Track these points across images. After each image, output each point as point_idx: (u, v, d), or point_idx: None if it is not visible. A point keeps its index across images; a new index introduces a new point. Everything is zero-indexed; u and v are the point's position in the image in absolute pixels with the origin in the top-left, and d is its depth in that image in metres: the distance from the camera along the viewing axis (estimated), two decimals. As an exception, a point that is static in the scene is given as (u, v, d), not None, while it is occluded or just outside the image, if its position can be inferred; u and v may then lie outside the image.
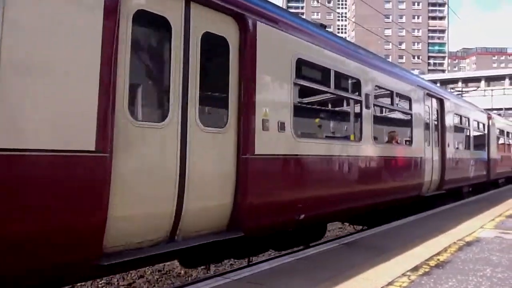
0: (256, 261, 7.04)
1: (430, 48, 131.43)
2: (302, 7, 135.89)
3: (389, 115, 10.42)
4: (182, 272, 8.15)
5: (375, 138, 8.63)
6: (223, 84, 5.39)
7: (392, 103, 9.85)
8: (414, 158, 10.50)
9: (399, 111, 10.55)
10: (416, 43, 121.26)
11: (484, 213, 10.46)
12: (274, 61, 6.03)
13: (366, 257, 5.85)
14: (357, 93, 8.18)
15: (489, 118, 19.34)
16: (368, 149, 8.35)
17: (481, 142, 17.94)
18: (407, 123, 10.55)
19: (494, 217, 9.82)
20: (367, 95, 8.28)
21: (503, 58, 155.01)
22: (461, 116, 14.97)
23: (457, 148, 14.14)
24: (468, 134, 15.88)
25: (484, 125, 18.51)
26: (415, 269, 5.32)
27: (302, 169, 6.57)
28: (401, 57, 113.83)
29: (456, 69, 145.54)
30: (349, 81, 8.23)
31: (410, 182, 10.30)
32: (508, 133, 24.05)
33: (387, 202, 9.46)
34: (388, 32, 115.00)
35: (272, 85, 6.00)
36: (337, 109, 9.30)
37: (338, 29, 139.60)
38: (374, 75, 8.77)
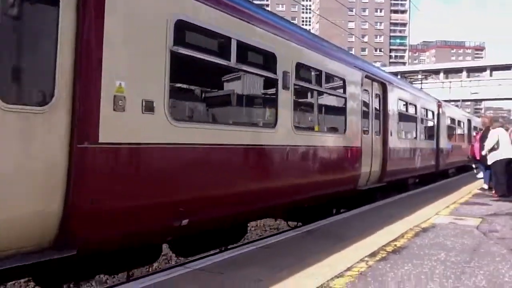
0: (217, 252, 7.08)
1: (391, 41, 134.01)
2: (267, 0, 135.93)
3: (317, 99, 8.82)
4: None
5: (297, 125, 7.49)
6: (48, 43, 3.91)
7: (320, 85, 8.42)
8: (349, 148, 9.33)
9: (330, 94, 9.19)
10: (378, 36, 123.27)
11: (439, 201, 10.80)
12: (135, 19, 4.59)
13: (326, 244, 5.97)
14: (271, 70, 6.79)
15: (439, 106, 18.55)
16: (286, 138, 7.08)
17: (429, 131, 17.19)
18: (341, 109, 9.36)
19: (449, 204, 10.16)
20: (285, 74, 6.99)
21: (461, 51, 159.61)
22: (407, 103, 14.04)
23: (402, 137, 13.30)
24: (415, 122, 14.93)
25: (433, 113, 17.60)
26: (372, 254, 5.47)
27: (182, 162, 5.17)
28: (363, 49, 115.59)
29: (417, 61, 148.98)
30: (260, 55, 6.80)
31: (342, 175, 9.17)
32: (459, 122, 23.47)
33: (313, 198, 8.37)
34: (351, 25, 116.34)
35: (133, 51, 4.56)
36: (241, 88, 7.40)
37: (303, 21, 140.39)
38: (295, 50, 7.43)
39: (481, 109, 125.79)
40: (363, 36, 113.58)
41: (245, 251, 5.68)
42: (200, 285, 4.25)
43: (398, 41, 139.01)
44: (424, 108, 16.22)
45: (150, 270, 7.72)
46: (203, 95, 7.22)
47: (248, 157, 6.38)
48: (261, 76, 6.98)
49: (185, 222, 5.10)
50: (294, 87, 7.25)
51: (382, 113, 11.57)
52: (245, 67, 6.35)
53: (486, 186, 13.24)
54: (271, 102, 7.05)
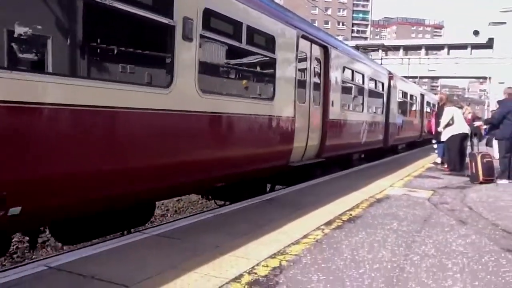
0: (177, 218, 7.08)
1: (354, 15, 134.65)
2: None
3: (236, 58, 7.60)
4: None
5: (205, 88, 6.02)
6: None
7: (240, 41, 6.85)
8: (278, 118, 8.06)
9: (254, 53, 7.63)
10: (341, 10, 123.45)
11: (394, 174, 11.13)
12: None
13: (284, 212, 6.06)
14: (163, 14, 5.30)
15: (391, 78, 17.26)
16: (187, 103, 5.68)
17: (378, 104, 16.04)
18: (268, 72, 8.08)
19: (403, 177, 10.48)
20: (187, 21, 5.54)
21: (421, 29, 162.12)
22: (353, 72, 12.68)
23: (346, 108, 12.10)
24: (361, 93, 13.60)
25: (383, 85, 16.27)
26: (328, 223, 5.60)
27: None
28: (326, 22, 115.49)
29: (378, 37, 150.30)
30: None
31: (269, 149, 7.92)
32: (412, 96, 22.30)
33: (233, 175, 7.16)
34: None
35: None
36: (120, 36, 5.71)
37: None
38: None
39: (437, 86, 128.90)
40: (326, 9, 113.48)
41: (203, 218, 5.71)
42: (159, 250, 4.25)
43: (360, 15, 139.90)
44: (373, 79, 14.93)
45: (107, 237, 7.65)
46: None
47: (131, 125, 4.94)
48: (150, 21, 5.19)
49: (16, 210, 3.78)
50: (200, 39, 5.82)
51: (323, 81, 10.25)
52: (125, 7, 4.70)
53: (439, 161, 13.70)
54: (166, 55, 5.52)
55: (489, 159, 10.09)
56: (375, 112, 15.47)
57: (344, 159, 13.07)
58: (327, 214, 6.08)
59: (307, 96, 9.46)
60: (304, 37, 9.06)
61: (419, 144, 24.80)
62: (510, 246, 4.88)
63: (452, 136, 11.70)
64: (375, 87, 15.29)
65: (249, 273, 3.71)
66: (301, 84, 9.07)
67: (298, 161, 9.19)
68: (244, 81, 8.01)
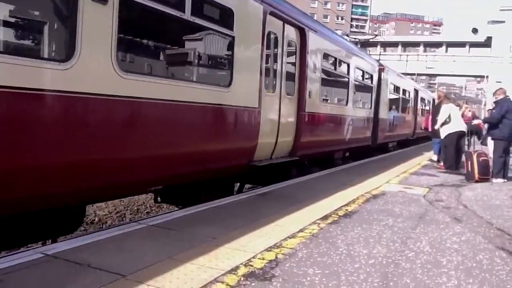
0: (173, 210, 7.08)
1: (353, 10, 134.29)
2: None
3: (175, 32, 6.54)
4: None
5: (128, 68, 5.10)
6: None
7: (182, 10, 5.53)
8: (235, 109, 6.85)
9: (200, 26, 6.15)
10: (340, 4, 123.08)
11: (390, 170, 11.15)
12: None
13: (280, 206, 6.07)
14: None
15: (381, 69, 16.02)
16: (100, 83, 4.50)
17: (366, 98, 14.72)
18: (223, 54, 7.04)
19: (399, 174, 10.52)
20: None
21: (420, 25, 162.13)
22: (336, 60, 11.14)
23: (326, 101, 11.11)
24: (347, 85, 12.20)
25: (372, 77, 14.92)
26: (324, 217, 5.62)
27: None
28: (325, 16, 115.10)
29: (377, 32, 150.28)
30: None
31: (223, 145, 6.71)
32: (404, 91, 20.65)
33: (168, 178, 5.98)
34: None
35: None
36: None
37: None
38: None
39: (435, 84, 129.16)
40: (326, 3, 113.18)
41: (199, 210, 5.71)
42: (155, 240, 4.26)
43: (360, 10, 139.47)
44: (360, 70, 13.48)
45: (103, 226, 7.66)
46: None
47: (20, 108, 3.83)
48: None
49: None
50: (120, 3, 4.66)
51: (299, 69, 8.94)
52: None
53: (435, 158, 13.74)
54: (65, 20, 4.35)
55: (485, 158, 10.11)
56: (362, 107, 14.19)
57: (324, 158, 11.79)
58: (323, 209, 6.10)
59: (278, 84, 8.20)
60: (274, 14, 7.80)
61: (412, 142, 23.93)
62: (504, 244, 4.92)
63: (449, 134, 11.72)
64: (363, 79, 13.86)
65: (245, 265, 3.73)
66: (269, 70, 7.88)
67: (266, 160, 7.97)
68: (190, 63, 6.49)
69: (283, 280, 3.46)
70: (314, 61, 9.58)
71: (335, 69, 11.38)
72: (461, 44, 71.08)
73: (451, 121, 11.70)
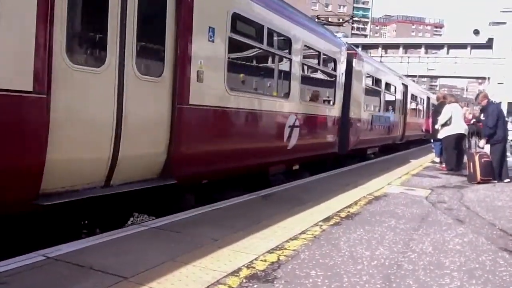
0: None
1: (354, 12, 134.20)
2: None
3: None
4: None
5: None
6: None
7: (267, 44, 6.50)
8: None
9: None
10: (342, 6, 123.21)
11: (392, 172, 11.14)
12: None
13: (282, 208, 6.07)
14: None
15: (352, 55, 12.58)
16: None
17: (328, 91, 11.41)
18: None
19: (401, 176, 10.50)
20: None
21: (421, 27, 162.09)
22: (264, 29, 7.56)
23: (244, 89, 7.80)
24: (288, 70, 8.71)
25: (336, 63, 11.21)
26: (327, 219, 5.61)
27: None
28: (326, 19, 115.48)
29: (378, 35, 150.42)
30: None
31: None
32: (389, 85, 17.00)
33: None
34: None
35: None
36: None
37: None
38: None
39: (436, 86, 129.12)
40: (327, 5, 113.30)
41: (201, 212, 5.70)
42: (158, 242, 4.25)
43: (361, 12, 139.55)
44: (314, 51, 10.02)
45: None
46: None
47: None
48: None
49: None
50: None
51: (173, 30, 5.58)
52: None
53: (437, 160, 13.72)
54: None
55: (487, 159, 10.07)
56: (319, 102, 10.86)
57: (249, 176, 8.16)
58: (325, 211, 6.09)
59: (113, 53, 4.74)
60: None
61: (400, 147, 20.44)
62: (507, 245, 4.90)
63: (447, 136, 11.76)
64: (320, 64, 10.43)
65: (247, 267, 3.72)
66: (77, 21, 4.68)
67: (94, 189, 4.80)
68: None
69: (285, 282, 3.45)
70: (205, 19, 6.10)
71: (262, 41, 7.61)
72: (462, 46, 71.03)
73: (451, 123, 11.71)
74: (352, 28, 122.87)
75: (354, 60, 12.59)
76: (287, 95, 8.75)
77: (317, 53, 10.16)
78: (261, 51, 8.01)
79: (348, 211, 6.19)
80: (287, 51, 8.67)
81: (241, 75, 8.10)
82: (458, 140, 11.77)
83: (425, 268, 3.95)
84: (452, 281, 3.68)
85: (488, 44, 62.51)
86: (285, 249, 4.30)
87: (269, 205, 6.37)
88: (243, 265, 3.76)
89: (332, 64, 11.28)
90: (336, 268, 3.83)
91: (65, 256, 3.72)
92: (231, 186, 7.62)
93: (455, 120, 11.72)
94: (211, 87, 6.31)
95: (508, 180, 10.18)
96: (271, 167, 8.70)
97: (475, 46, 67.66)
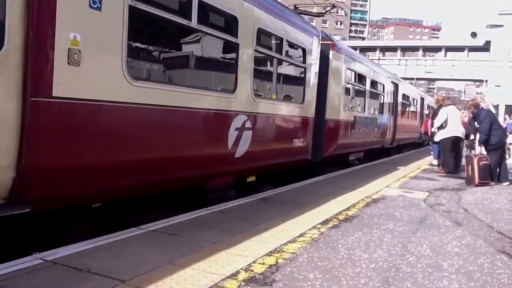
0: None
1: (352, 15, 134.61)
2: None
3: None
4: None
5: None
6: None
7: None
8: None
9: None
10: (339, 9, 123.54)
11: (390, 174, 11.16)
12: None
13: (281, 211, 6.07)
14: None
15: (329, 47, 10.82)
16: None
17: (295, 87, 9.81)
18: None
19: (399, 178, 10.51)
20: None
21: (418, 30, 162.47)
22: (206, 5, 6.06)
23: (173, 82, 6.69)
24: (234, 56, 6.98)
25: (305, 53, 9.35)
26: (325, 222, 5.61)
27: None
28: (324, 21, 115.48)
29: (376, 37, 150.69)
30: None
31: None
32: (375, 83, 15.13)
33: None
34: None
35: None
36: None
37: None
38: None
39: (434, 88, 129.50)
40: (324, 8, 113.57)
41: (199, 215, 5.69)
42: (155, 245, 4.24)
43: (358, 15, 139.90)
44: (275, 37, 8.32)
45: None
46: None
47: None
48: None
49: None
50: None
51: None
52: None
53: (435, 162, 13.74)
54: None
55: (486, 162, 10.05)
56: (282, 99, 9.14)
57: (174, 196, 6.46)
58: (323, 213, 6.09)
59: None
60: None
61: (391, 152, 18.94)
62: (505, 248, 4.91)
63: (444, 138, 11.82)
64: (283, 54, 8.60)
65: (245, 270, 3.72)
66: None
67: None
68: None
69: (283, 285, 3.44)
70: None
71: (190, 18, 5.72)
72: (460, 49, 71.13)
73: (447, 125, 11.76)
74: (350, 31, 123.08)
75: (331, 52, 10.84)
76: (231, 89, 6.87)
77: (278, 40, 8.35)
78: (188, 30, 6.26)
79: (347, 214, 6.19)
80: (231, 33, 6.77)
81: (156, 60, 6.83)
82: (455, 142, 11.79)
83: (423, 271, 3.95)
84: (451, 283, 3.68)
85: (486, 47, 62.63)
86: (284, 252, 4.29)
87: (267, 208, 6.37)
88: (242, 268, 3.75)
89: (301, 55, 9.37)
90: (335, 271, 3.82)
91: (63, 260, 3.71)
92: (157, 205, 6.33)
93: (451, 123, 11.74)
94: (97, 74, 4.49)
95: (507, 183, 10.19)
96: (210, 181, 6.78)
97: (473, 49, 67.80)
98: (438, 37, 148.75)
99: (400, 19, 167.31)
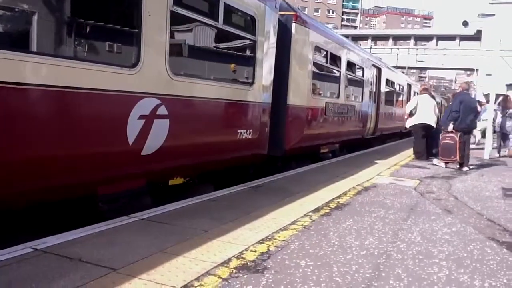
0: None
1: (344, 3, 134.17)
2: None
3: None
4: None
5: None
6: None
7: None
8: None
9: None
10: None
11: (381, 162, 11.20)
12: None
13: (272, 199, 6.07)
14: None
15: (294, 18, 9.03)
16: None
17: (245, 66, 7.87)
18: None
19: (390, 166, 10.55)
20: None
21: (410, 19, 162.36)
22: None
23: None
24: (147, 21, 5.13)
25: (258, 23, 7.56)
26: (316, 210, 5.62)
27: None
28: (316, 10, 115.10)
29: (368, 26, 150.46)
30: None
31: None
32: (352, 64, 13.30)
33: None
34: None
35: None
36: None
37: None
38: None
39: (425, 77, 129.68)
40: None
41: (191, 204, 5.68)
42: (147, 234, 4.23)
43: (351, 4, 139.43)
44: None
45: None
46: None
47: None
48: None
49: None
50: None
51: None
52: None
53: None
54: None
55: (447, 141, 10.53)
56: (218, 79, 7.01)
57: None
58: (315, 201, 6.11)
59: None
60: None
61: (373, 143, 17.36)
62: (494, 234, 4.95)
63: (414, 125, 12.33)
64: (220, 21, 6.57)
65: (237, 258, 3.72)
66: None
67: None
68: None
69: (275, 272, 3.45)
70: None
71: None
72: (451, 38, 71.19)
73: (416, 113, 12.21)
74: (342, 20, 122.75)
75: (293, 25, 8.94)
76: (130, 63, 5.08)
77: (208, 1, 6.65)
78: None
79: (338, 202, 6.21)
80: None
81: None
82: (425, 130, 12.16)
83: (414, 258, 3.98)
84: (441, 270, 3.70)
85: (477, 36, 62.68)
86: (275, 239, 4.30)
87: (259, 196, 6.37)
88: (233, 256, 3.76)
89: (249, 24, 7.52)
90: (326, 258, 3.84)
91: (54, 248, 3.69)
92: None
93: (420, 111, 12.13)
94: None
95: (467, 168, 10.66)
96: (102, 188, 5.06)
97: (464, 38, 67.88)
98: (429, 26, 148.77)
99: (392, 8, 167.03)
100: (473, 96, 13.96)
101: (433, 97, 13.04)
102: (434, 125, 12.06)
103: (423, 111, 12.05)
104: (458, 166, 10.70)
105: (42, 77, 4.12)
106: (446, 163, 10.84)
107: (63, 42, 5.21)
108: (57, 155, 4.38)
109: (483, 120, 17.78)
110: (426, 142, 12.21)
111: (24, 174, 4.11)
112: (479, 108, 12.12)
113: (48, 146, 4.28)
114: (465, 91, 11.17)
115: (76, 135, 4.53)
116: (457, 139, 10.44)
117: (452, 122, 10.51)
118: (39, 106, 4.22)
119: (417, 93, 21.76)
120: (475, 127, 12.19)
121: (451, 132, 10.52)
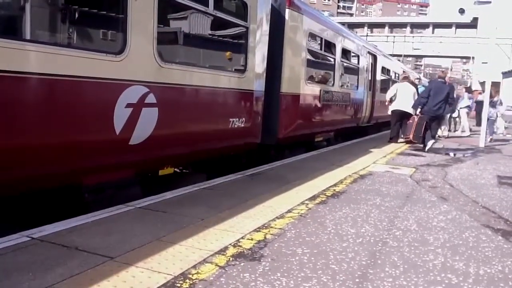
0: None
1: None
2: None
3: None
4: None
5: None
6: None
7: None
8: None
9: None
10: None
11: (377, 150, 11.22)
12: None
13: (269, 187, 6.08)
14: None
15: (287, 4, 8.87)
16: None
17: (238, 53, 7.73)
18: None
19: (386, 154, 10.57)
20: None
21: (406, 6, 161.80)
22: None
23: None
24: (133, 5, 4.95)
25: (250, 9, 7.44)
26: (313, 198, 5.64)
27: None
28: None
29: (364, 14, 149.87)
30: None
31: None
32: (347, 52, 13.13)
33: None
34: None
35: None
36: None
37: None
38: None
39: (421, 65, 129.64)
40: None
41: (187, 192, 5.68)
42: (144, 222, 4.23)
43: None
44: None
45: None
46: None
47: None
48: None
49: None
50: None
51: None
52: None
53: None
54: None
55: (410, 121, 12.10)
56: (210, 67, 7.07)
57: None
58: (311, 189, 6.12)
59: None
60: None
61: (369, 131, 17.28)
62: (489, 222, 4.98)
63: (393, 110, 13.33)
64: (210, 6, 6.42)
65: (234, 246, 3.73)
66: None
67: None
68: None
69: (272, 260, 3.46)
70: None
71: None
72: (447, 25, 71.22)
73: (395, 99, 13.18)
74: (338, 7, 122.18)
75: (287, 11, 8.81)
76: (117, 50, 4.95)
77: None
78: None
79: (334, 190, 6.22)
80: None
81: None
82: (401, 116, 12.95)
83: (409, 245, 4.00)
84: (436, 257, 3.73)
85: (473, 24, 62.66)
86: (272, 227, 4.31)
87: (255, 184, 6.38)
88: (230, 244, 3.77)
89: (240, 10, 7.44)
90: (322, 246, 3.85)
91: (50, 237, 3.69)
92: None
93: (398, 98, 13.02)
94: None
95: (426, 149, 11.55)
96: (87, 178, 4.97)
97: (460, 26, 67.90)
98: (426, 14, 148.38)
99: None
100: (468, 84, 15.20)
101: (414, 84, 13.88)
102: (412, 112, 12.57)
103: (401, 98, 12.92)
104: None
105: (24, 65, 3.99)
106: (405, 139, 12.49)
107: (45, 28, 5.06)
108: (40, 143, 4.25)
109: (460, 108, 18.24)
110: (400, 127, 13.19)
111: (4, 162, 3.97)
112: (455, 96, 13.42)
113: (30, 134, 4.16)
114: (439, 79, 12.27)
115: (60, 123, 4.40)
116: (416, 121, 11.81)
117: (420, 107, 11.84)
118: (21, 94, 4.07)
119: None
120: (441, 113, 12.54)
121: (417, 115, 11.89)
